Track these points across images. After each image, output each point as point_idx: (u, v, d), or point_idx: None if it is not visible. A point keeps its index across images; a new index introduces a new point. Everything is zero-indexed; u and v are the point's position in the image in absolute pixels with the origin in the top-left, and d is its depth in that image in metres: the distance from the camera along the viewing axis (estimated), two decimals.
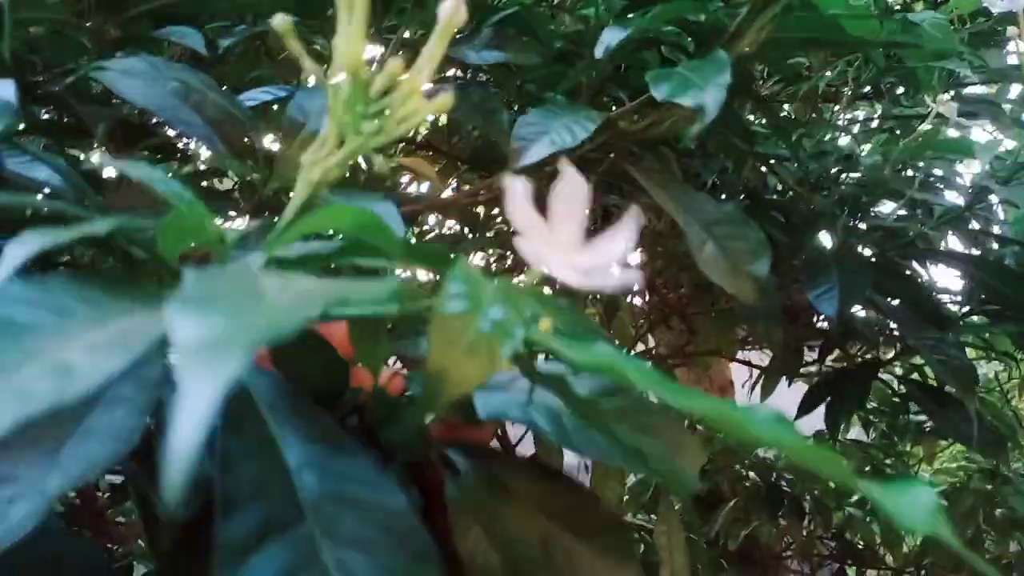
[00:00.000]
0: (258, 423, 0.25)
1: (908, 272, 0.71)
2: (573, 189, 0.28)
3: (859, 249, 0.76)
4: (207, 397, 0.12)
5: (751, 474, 1.05)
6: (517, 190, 0.27)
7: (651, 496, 1.05)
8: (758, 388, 1.04)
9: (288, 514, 0.21)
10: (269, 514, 0.21)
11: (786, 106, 1.27)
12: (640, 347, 1.31)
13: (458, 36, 0.65)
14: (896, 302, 0.72)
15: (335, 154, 0.28)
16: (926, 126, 0.74)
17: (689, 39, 0.59)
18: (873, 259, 0.72)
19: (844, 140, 1.28)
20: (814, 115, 1.19)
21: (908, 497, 0.17)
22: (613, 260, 0.27)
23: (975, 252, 0.87)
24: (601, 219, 1.08)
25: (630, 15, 0.62)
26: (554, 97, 0.57)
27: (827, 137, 0.90)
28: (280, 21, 0.28)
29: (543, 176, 0.64)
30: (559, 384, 0.29)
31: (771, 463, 1.12)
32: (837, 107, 0.94)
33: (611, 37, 0.53)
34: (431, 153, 0.74)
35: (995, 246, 0.81)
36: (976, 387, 0.65)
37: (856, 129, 1.20)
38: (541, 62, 0.60)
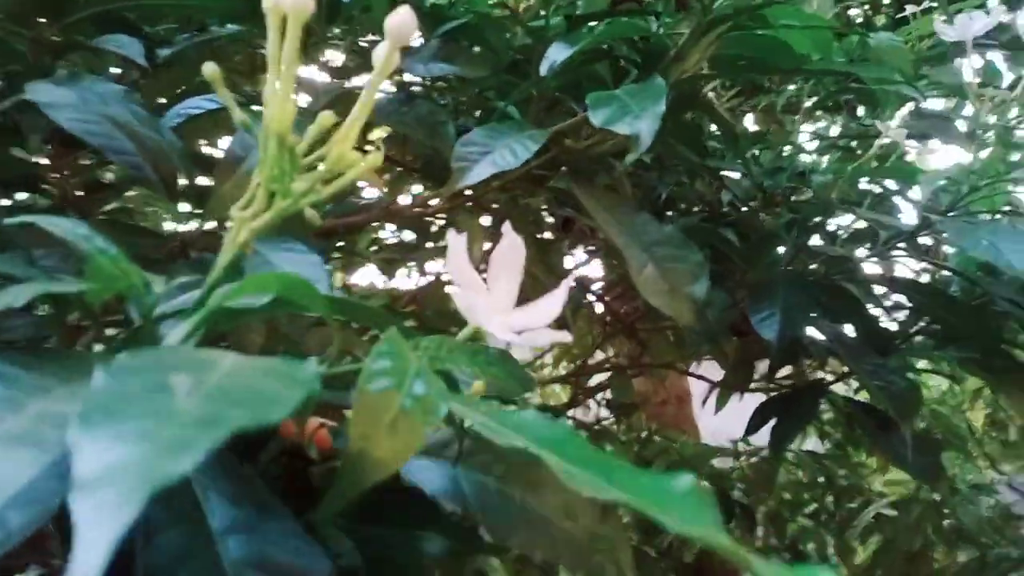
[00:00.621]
0: (184, 485, 0.24)
1: (853, 295, 0.72)
2: (511, 250, 0.29)
3: (809, 267, 0.77)
4: (102, 544, 0.12)
5: (704, 484, 1.05)
6: (456, 248, 0.28)
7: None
8: (712, 402, 1.04)
9: None
10: None
11: (750, 117, 1.28)
12: (600, 355, 1.32)
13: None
14: (841, 324, 0.72)
15: (263, 214, 0.28)
16: (878, 146, 0.74)
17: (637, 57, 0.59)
18: (820, 281, 0.73)
19: (808, 154, 1.29)
20: (774, 127, 1.20)
21: None
22: (546, 321, 0.28)
23: (926, 267, 0.88)
24: (562, 228, 1.08)
25: (581, 30, 0.62)
26: (504, 108, 0.57)
27: (787, 151, 0.91)
28: (210, 70, 0.28)
29: (489, 190, 0.64)
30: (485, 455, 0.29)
31: (726, 474, 1.13)
32: (798, 117, 0.95)
33: (556, 54, 0.53)
34: (386, 162, 0.73)
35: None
36: (916, 413, 0.66)
37: (814, 144, 1.22)
38: (490, 74, 0.60)
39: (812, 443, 1.30)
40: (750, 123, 1.28)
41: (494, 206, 0.82)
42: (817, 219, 0.79)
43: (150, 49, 0.60)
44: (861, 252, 0.80)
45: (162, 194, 0.41)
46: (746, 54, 0.58)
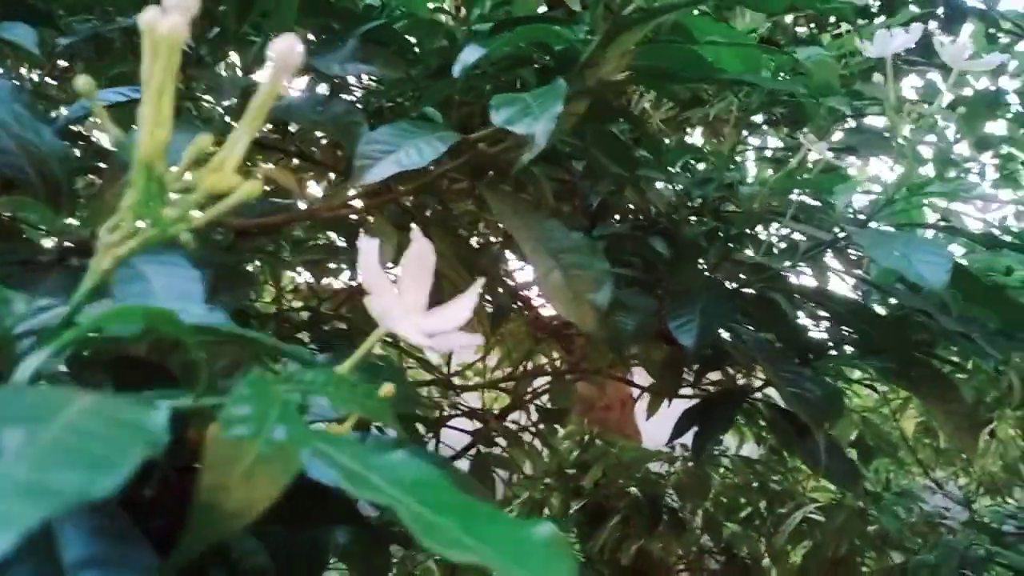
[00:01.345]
0: None
1: (775, 303, 0.73)
2: (422, 254, 0.29)
3: (739, 276, 0.78)
4: None
5: (633, 489, 1.06)
6: (367, 251, 0.28)
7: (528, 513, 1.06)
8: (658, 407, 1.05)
9: None
10: None
11: (699, 130, 1.30)
12: (544, 360, 1.32)
13: (320, 44, 0.63)
14: (763, 332, 0.73)
15: (128, 241, 0.27)
16: (798, 159, 0.76)
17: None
18: (741, 289, 0.73)
19: (736, 167, 1.31)
20: (718, 140, 1.21)
21: None
22: (458, 323, 0.29)
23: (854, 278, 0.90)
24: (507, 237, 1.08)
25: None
26: (411, 109, 0.56)
27: (718, 162, 0.92)
28: (82, 83, 0.27)
29: (407, 192, 0.64)
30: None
31: (663, 478, 1.14)
32: (729, 130, 0.96)
33: (469, 56, 0.53)
34: (306, 162, 0.73)
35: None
36: (835, 419, 0.67)
37: (746, 156, 1.23)
38: (408, 77, 0.59)
39: (749, 448, 1.31)
40: (698, 136, 1.30)
41: (427, 213, 0.82)
42: (743, 229, 0.80)
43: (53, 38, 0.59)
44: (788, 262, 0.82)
45: (43, 199, 0.40)
46: (663, 65, 0.58)
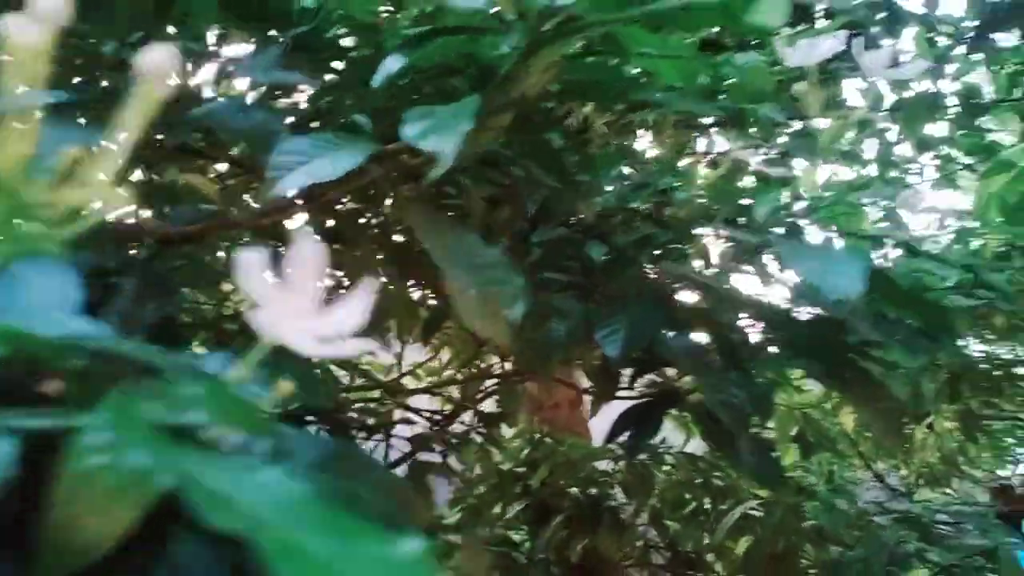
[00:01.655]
0: None
1: (707, 308, 0.74)
2: (309, 256, 0.28)
3: (670, 280, 0.79)
4: None
5: (573, 490, 1.08)
6: (248, 261, 0.27)
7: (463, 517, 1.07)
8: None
9: None
10: None
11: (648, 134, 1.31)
12: (496, 360, 1.33)
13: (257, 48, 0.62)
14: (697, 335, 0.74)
15: None
16: (728, 163, 0.77)
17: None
18: (675, 295, 0.75)
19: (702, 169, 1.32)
20: (664, 143, 1.23)
21: None
22: (349, 327, 0.27)
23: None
24: None
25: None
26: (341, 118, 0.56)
27: (657, 167, 0.93)
28: None
29: (331, 200, 0.63)
30: None
31: (609, 476, 1.16)
32: (667, 132, 0.98)
33: (391, 65, 0.52)
34: (238, 168, 0.72)
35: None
36: (762, 421, 0.69)
37: (701, 160, 1.25)
38: (331, 84, 0.59)
39: (695, 444, 1.34)
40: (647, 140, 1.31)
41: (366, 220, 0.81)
42: (681, 234, 0.81)
43: None
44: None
45: None
46: (590, 78, 0.58)
